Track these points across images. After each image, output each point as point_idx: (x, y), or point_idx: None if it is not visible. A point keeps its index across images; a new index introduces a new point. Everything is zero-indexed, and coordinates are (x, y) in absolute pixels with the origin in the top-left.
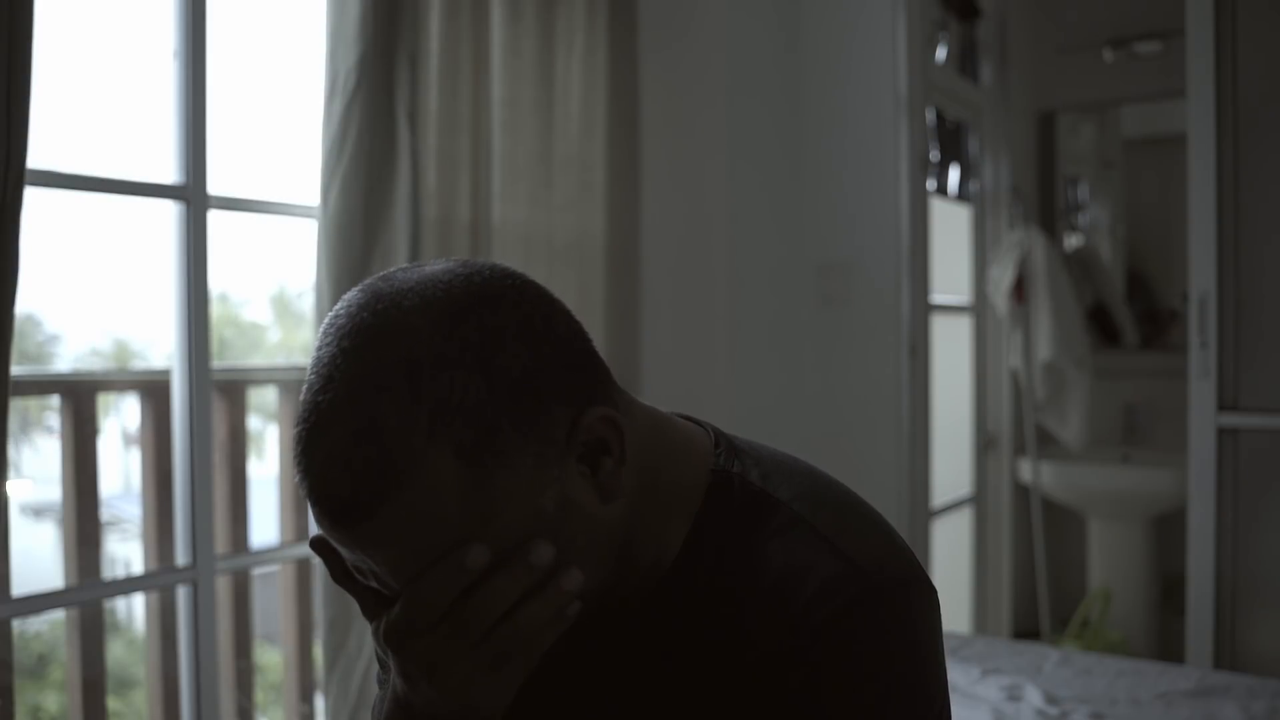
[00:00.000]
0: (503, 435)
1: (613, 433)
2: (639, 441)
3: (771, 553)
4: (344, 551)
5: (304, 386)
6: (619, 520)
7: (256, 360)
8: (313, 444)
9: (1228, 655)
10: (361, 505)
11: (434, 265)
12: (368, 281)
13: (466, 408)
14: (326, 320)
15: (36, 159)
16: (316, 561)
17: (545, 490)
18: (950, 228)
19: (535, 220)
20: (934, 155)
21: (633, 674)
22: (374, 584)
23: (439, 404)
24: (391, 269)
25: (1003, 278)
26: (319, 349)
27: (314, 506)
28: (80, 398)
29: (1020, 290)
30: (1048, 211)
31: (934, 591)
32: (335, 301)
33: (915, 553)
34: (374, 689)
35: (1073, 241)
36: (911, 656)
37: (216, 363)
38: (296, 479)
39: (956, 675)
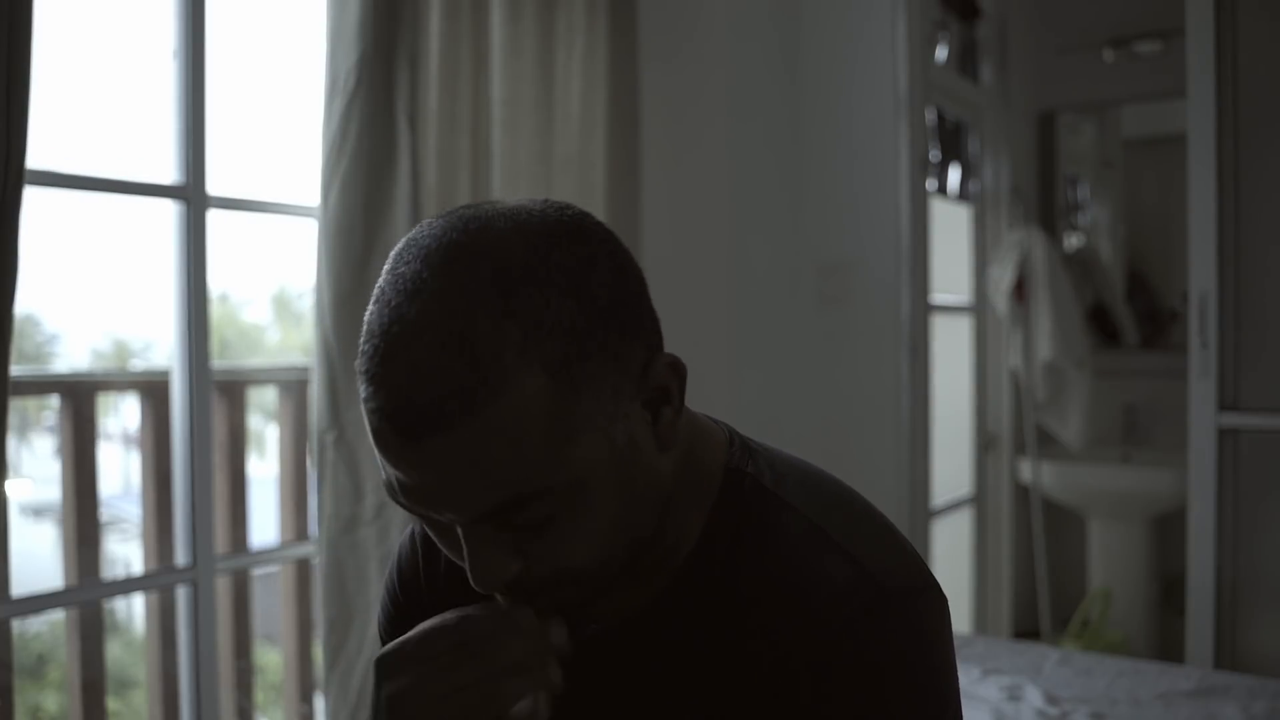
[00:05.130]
0: (591, 359)
1: (676, 382)
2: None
3: (785, 558)
4: (400, 475)
5: (375, 304)
6: (668, 476)
7: (256, 360)
8: (392, 354)
9: (1228, 655)
10: (444, 417)
11: (518, 200)
12: (447, 213)
13: (559, 326)
14: (402, 243)
15: (36, 159)
16: (316, 561)
17: (619, 423)
18: (950, 228)
19: None
20: (934, 155)
21: (644, 679)
22: (427, 524)
23: (533, 320)
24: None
25: (1003, 278)
26: (398, 267)
27: (386, 420)
28: (80, 398)
29: (1020, 290)
30: (1048, 211)
31: (945, 599)
32: (335, 301)
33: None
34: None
35: (1073, 241)
36: (925, 664)
37: (216, 363)
38: (364, 393)
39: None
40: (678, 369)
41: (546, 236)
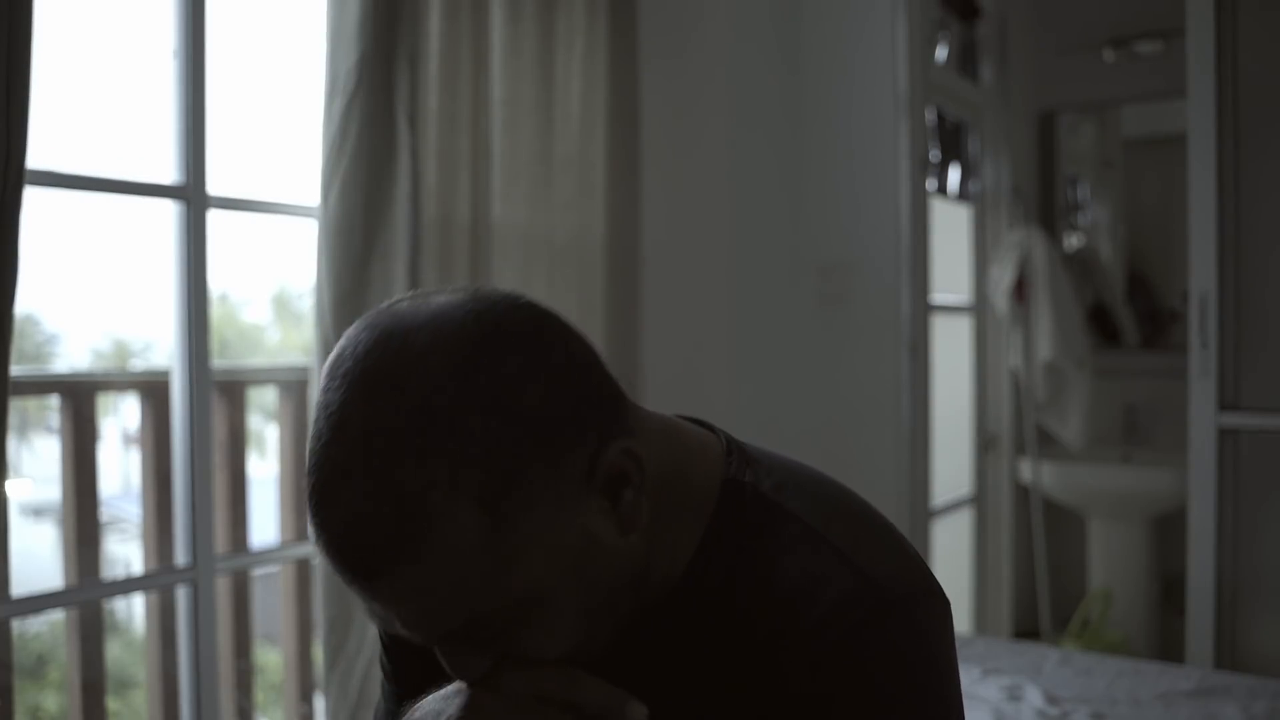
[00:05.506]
0: (525, 480)
1: (633, 465)
2: (654, 454)
3: (784, 566)
4: (363, 601)
5: (311, 433)
6: (640, 550)
7: (256, 360)
8: (326, 500)
9: (1228, 655)
10: (382, 563)
11: (444, 297)
12: (374, 316)
13: (486, 457)
14: (331, 359)
15: (36, 159)
16: (317, 561)
17: (568, 530)
18: (950, 228)
19: (535, 220)
20: (934, 155)
21: (643, 688)
22: (400, 633)
23: (458, 453)
24: (398, 299)
25: (1003, 278)
26: (325, 392)
27: (331, 561)
28: (80, 398)
29: (1020, 290)
30: (1048, 211)
31: (947, 604)
32: (335, 301)
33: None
34: (374, 689)
35: (1073, 241)
36: (927, 670)
37: (216, 363)
38: (311, 532)
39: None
40: (633, 454)
41: (468, 354)
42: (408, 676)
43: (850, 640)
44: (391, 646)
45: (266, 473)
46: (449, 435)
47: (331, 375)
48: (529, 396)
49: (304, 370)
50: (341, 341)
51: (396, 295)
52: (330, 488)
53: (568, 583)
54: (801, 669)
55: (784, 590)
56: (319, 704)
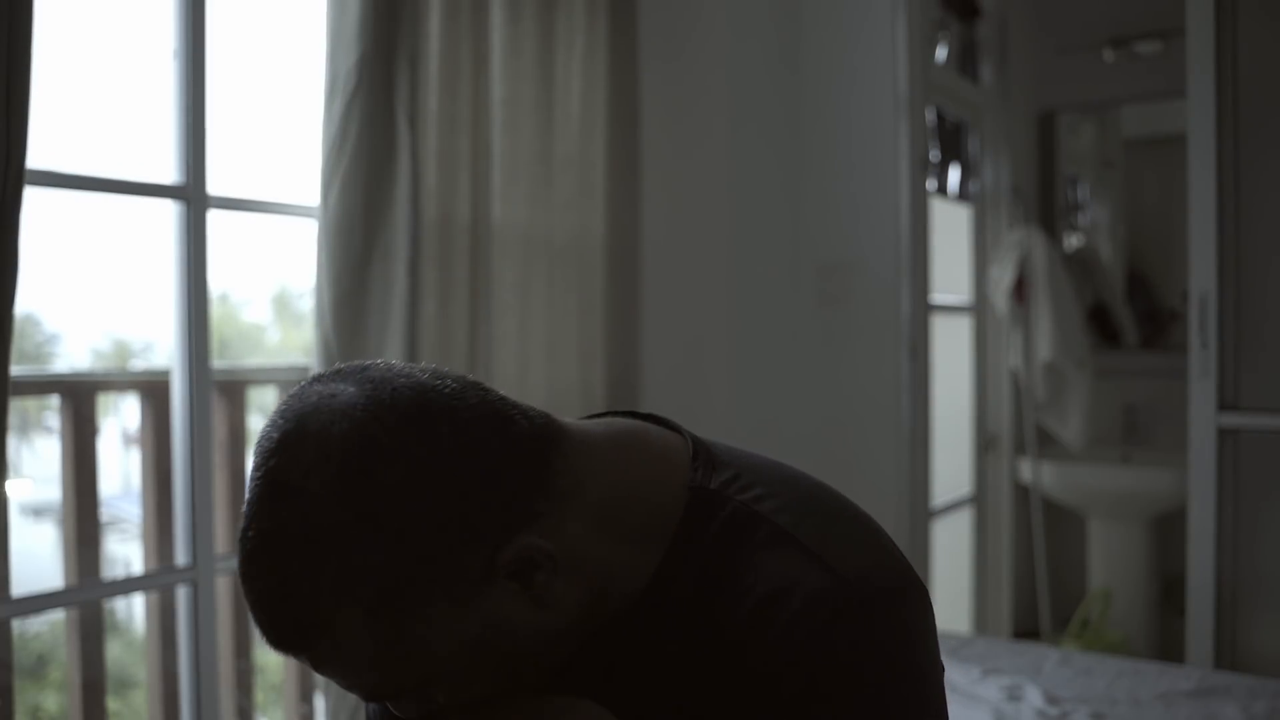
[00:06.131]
0: (409, 591)
1: (540, 555)
2: (606, 480)
3: (753, 569)
4: None
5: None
6: (572, 605)
7: (256, 360)
8: (243, 581)
9: (1228, 655)
10: (292, 644)
11: (342, 395)
12: (291, 403)
13: (368, 571)
14: (258, 439)
15: (36, 159)
16: None
17: (465, 620)
18: (950, 228)
19: (535, 220)
20: (934, 155)
21: (612, 697)
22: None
23: (342, 568)
24: (314, 379)
25: (1003, 278)
26: (251, 470)
27: (259, 630)
28: (80, 398)
29: (1020, 290)
30: (1048, 211)
31: (925, 595)
32: (335, 301)
33: (911, 554)
34: None
35: (1073, 241)
36: (902, 667)
37: (216, 363)
38: None
39: (956, 675)
40: (535, 550)
41: (344, 467)
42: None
43: (820, 639)
44: None
45: None
46: (328, 551)
47: (255, 459)
48: (404, 511)
49: (304, 370)
50: (266, 424)
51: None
52: (245, 569)
53: (475, 659)
54: (772, 670)
55: (754, 594)
56: (319, 704)
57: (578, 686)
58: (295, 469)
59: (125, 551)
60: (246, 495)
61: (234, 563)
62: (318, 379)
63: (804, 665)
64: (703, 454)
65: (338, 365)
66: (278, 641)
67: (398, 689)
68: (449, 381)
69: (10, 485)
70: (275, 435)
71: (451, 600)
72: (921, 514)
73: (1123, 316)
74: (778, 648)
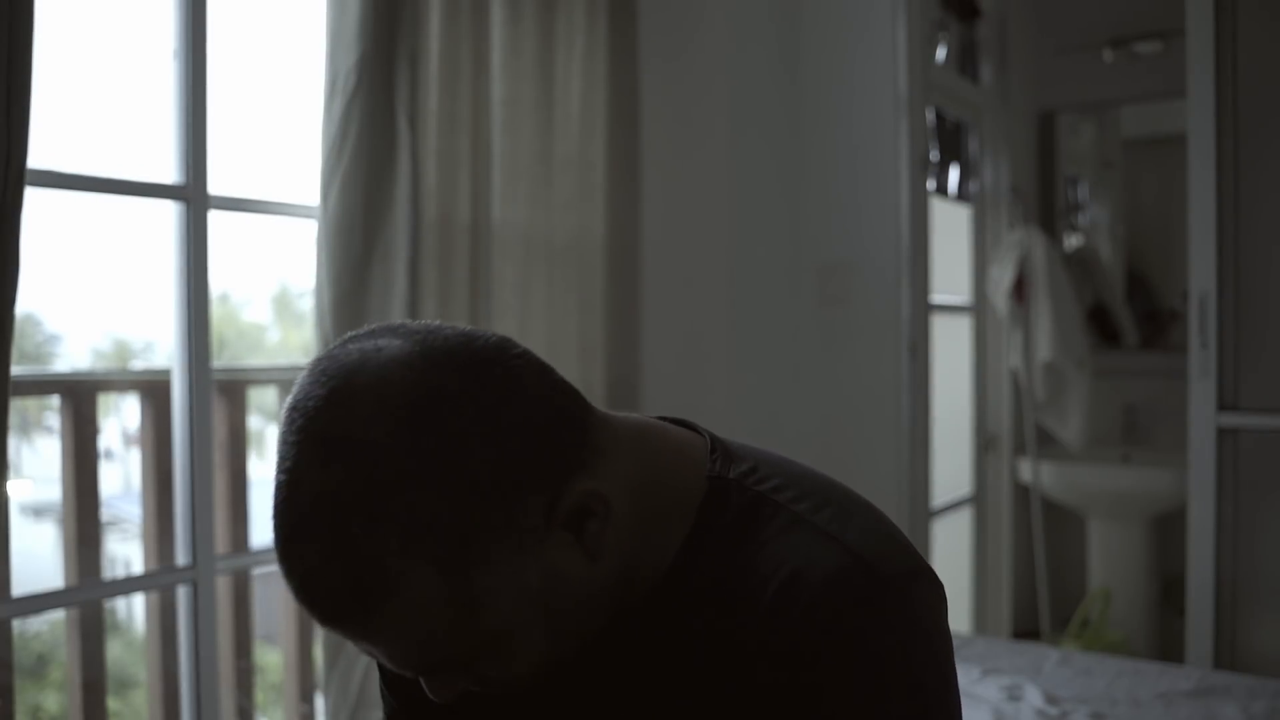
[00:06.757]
0: (478, 538)
1: (594, 500)
2: (629, 464)
3: (775, 553)
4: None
5: (275, 475)
6: (613, 568)
7: (256, 360)
8: (288, 554)
9: (1228, 655)
10: (345, 615)
11: (394, 346)
12: (325, 365)
13: (437, 521)
14: (286, 407)
15: (36, 159)
16: None
17: (529, 570)
18: (950, 228)
19: (535, 220)
20: (934, 155)
21: (634, 680)
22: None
23: (408, 522)
24: (347, 340)
25: (1003, 278)
26: (282, 443)
27: (301, 605)
28: (80, 398)
29: (1020, 290)
30: (1048, 211)
31: (940, 584)
32: (335, 301)
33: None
34: (374, 689)
35: (1073, 241)
36: (924, 648)
37: (216, 363)
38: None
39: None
40: (591, 494)
41: (412, 417)
42: (400, 687)
43: (842, 619)
44: (381, 665)
45: (267, 472)
46: (397, 504)
47: (288, 426)
48: (475, 458)
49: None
50: (294, 391)
51: (364, 324)
52: (291, 543)
53: (534, 614)
54: (796, 649)
55: (776, 576)
56: (319, 704)
57: (602, 671)
58: (353, 422)
59: (125, 551)
60: (280, 464)
61: (236, 561)
62: (351, 339)
63: (828, 644)
64: (720, 447)
65: (368, 325)
66: (333, 613)
67: (459, 655)
68: (488, 334)
69: (11, 485)
70: (320, 393)
71: (515, 548)
72: (921, 514)
73: (1122, 316)
74: (801, 627)
